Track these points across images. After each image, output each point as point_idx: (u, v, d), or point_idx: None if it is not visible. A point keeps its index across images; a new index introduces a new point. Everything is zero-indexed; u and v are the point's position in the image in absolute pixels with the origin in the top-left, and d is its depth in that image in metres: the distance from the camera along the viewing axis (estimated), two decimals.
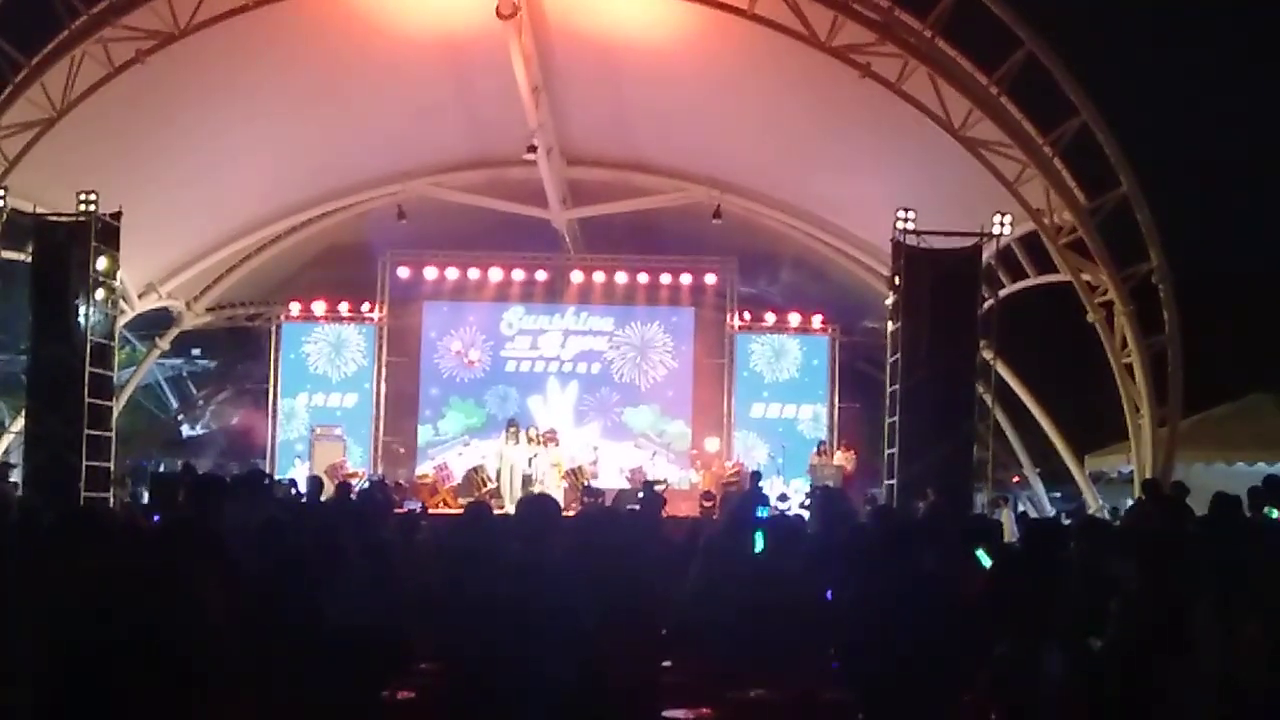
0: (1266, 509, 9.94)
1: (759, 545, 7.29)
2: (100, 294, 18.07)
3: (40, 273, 17.86)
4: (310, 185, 22.07)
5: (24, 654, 4.87)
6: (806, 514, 15.42)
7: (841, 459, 21.19)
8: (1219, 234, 24.14)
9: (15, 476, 18.19)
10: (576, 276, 24.17)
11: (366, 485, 19.14)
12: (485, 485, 21.39)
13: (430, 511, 18.61)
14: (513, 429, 21.62)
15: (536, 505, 5.84)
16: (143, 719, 4.65)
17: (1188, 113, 25.26)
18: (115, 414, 19.46)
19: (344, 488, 12.72)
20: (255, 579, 5.83)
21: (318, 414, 23.82)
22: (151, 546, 6.74)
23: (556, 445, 21.68)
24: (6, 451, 21.19)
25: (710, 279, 24.08)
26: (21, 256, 18.62)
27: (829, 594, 7.13)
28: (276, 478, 19.56)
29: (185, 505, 9.55)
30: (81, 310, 17.63)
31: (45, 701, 4.68)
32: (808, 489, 19.62)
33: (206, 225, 21.93)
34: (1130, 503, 16.16)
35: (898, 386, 17.33)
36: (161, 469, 24.78)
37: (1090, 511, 19.62)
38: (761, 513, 10.21)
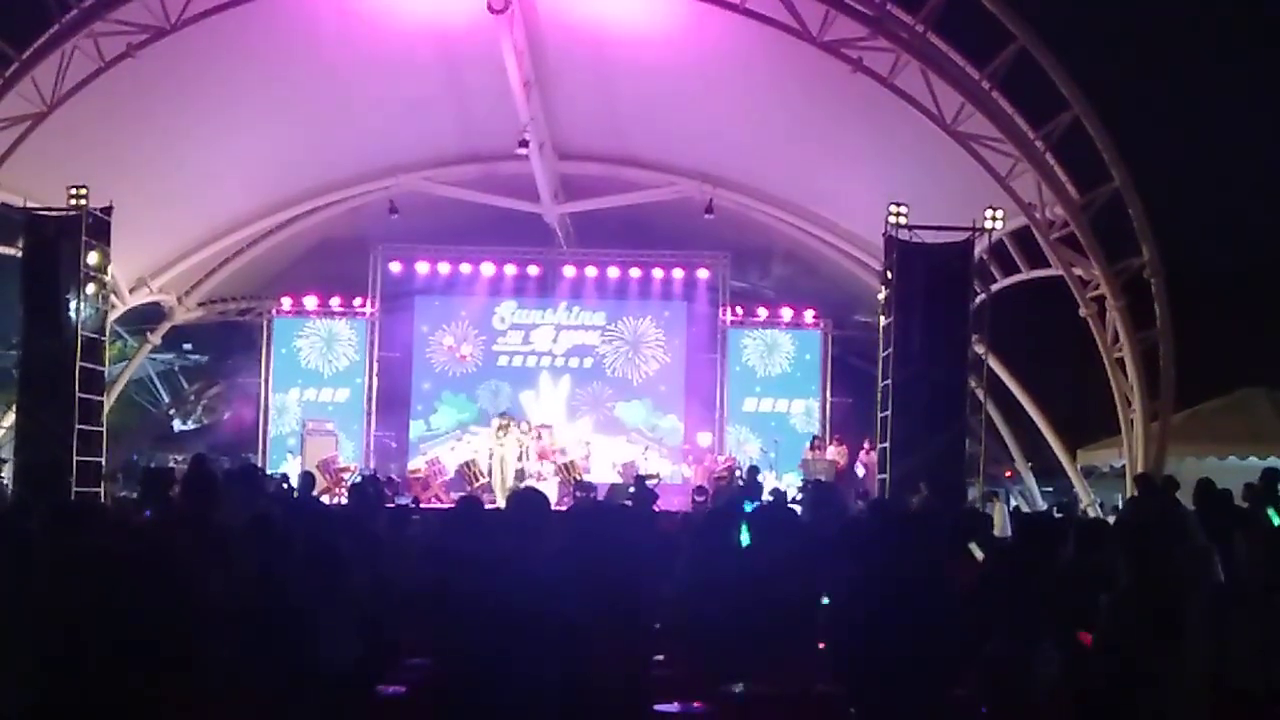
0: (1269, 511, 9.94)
1: (745, 539, 7.27)
2: (91, 289, 17.99)
3: (31, 268, 17.79)
4: (302, 180, 22.02)
5: (15, 648, 4.85)
6: (799, 508, 15.40)
7: (835, 454, 21.19)
8: (1211, 229, 24.16)
9: (6, 472, 18.14)
10: (569, 271, 24.18)
11: (358, 480, 19.14)
12: (477, 479, 21.39)
13: (422, 506, 18.62)
14: (504, 423, 21.63)
15: (527, 499, 5.81)
16: (133, 711, 4.64)
17: (1180, 107, 25.27)
18: (106, 409, 19.43)
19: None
20: (247, 572, 5.82)
21: (309, 409, 23.81)
22: (147, 539, 6.72)
23: (547, 440, 21.67)
24: None
25: (702, 274, 24.10)
26: (12, 251, 18.59)
27: (821, 588, 7.12)
28: (268, 472, 19.54)
29: (183, 499, 9.52)
30: (72, 305, 17.57)
31: (38, 695, 4.67)
32: (800, 483, 19.64)
33: (198, 220, 21.89)
34: (1120, 497, 16.17)
35: (890, 381, 17.32)
36: (153, 464, 24.68)
37: (1082, 505, 19.67)
38: (748, 506, 10.17)
